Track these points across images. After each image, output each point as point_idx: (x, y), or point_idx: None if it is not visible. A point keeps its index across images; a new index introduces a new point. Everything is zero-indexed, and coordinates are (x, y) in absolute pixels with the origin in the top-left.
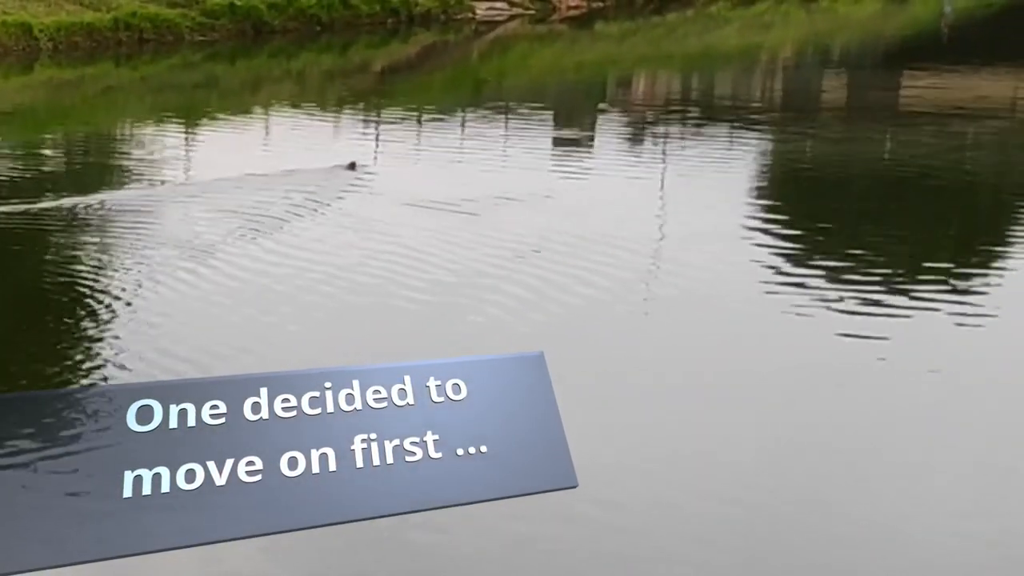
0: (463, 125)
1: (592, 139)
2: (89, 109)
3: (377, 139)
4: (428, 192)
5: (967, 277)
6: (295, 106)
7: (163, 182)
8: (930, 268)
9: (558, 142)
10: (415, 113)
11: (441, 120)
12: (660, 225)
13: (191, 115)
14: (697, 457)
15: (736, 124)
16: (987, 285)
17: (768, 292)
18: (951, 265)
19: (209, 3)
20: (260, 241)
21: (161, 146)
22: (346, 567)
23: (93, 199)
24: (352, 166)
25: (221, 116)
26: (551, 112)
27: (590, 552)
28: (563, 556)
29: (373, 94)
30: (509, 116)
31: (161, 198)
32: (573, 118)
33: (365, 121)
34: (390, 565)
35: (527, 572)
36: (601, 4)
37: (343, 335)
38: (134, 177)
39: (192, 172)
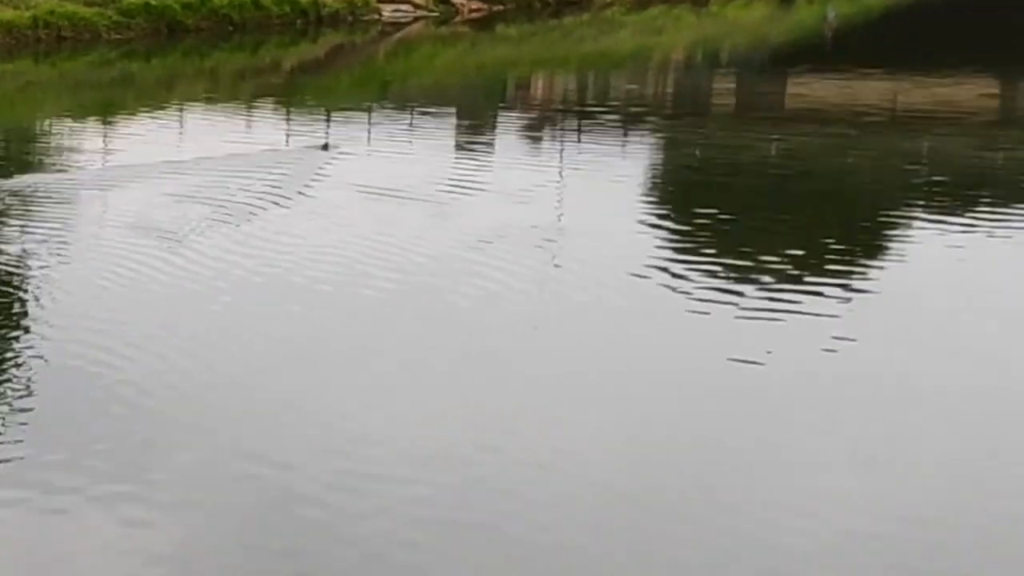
0: (370, 122)
1: (493, 137)
2: (8, 104)
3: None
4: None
5: (847, 274)
6: (210, 102)
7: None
8: (812, 265)
9: (461, 139)
10: (323, 110)
11: (351, 116)
12: (555, 220)
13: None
14: (586, 450)
15: (629, 124)
16: (866, 280)
17: (654, 288)
18: (833, 262)
19: (125, 2)
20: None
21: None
22: None
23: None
24: (325, 147)
25: (164, 108)
26: (454, 110)
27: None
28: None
29: (283, 91)
30: (414, 114)
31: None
32: (475, 116)
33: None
34: None
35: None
36: (501, 7)
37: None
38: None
39: (177, 153)
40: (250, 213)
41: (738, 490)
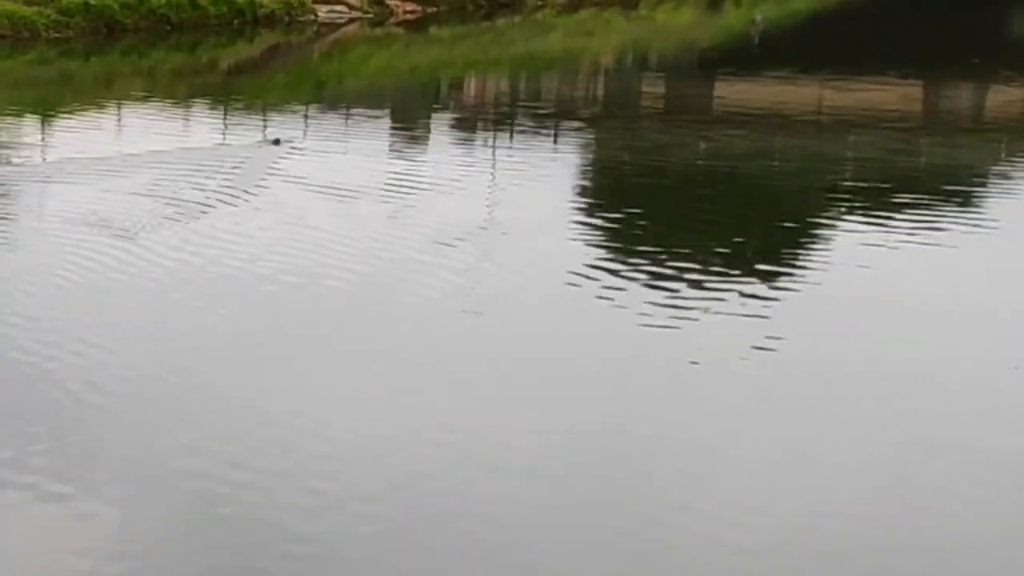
0: (306, 119)
1: (428, 136)
2: None
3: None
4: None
5: (773, 274)
6: (148, 99)
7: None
8: (738, 264)
9: (395, 138)
10: (260, 109)
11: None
12: (485, 219)
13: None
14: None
15: (560, 124)
16: (791, 279)
17: (587, 286)
18: (759, 261)
19: (64, 2)
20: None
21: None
22: None
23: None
24: (277, 142)
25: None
26: (388, 110)
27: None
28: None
29: (221, 90)
30: (349, 114)
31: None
32: (409, 117)
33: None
34: None
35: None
36: (435, 9)
37: None
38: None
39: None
40: (207, 207)
41: (675, 486)
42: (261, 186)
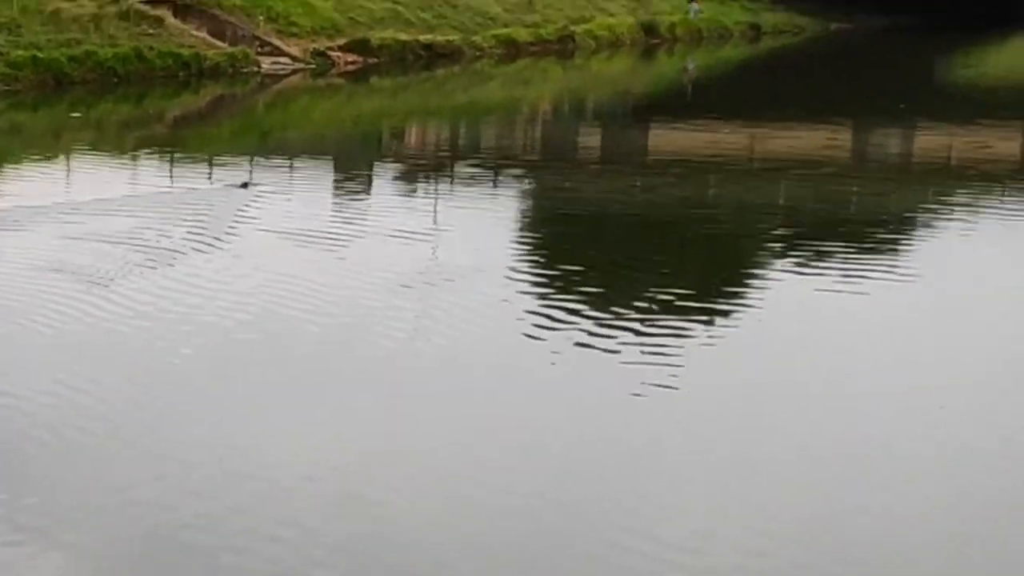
0: (251, 170)
1: (369, 185)
2: None
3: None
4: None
5: (709, 311)
6: (95, 150)
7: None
8: (674, 308)
9: (338, 187)
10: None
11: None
12: (429, 264)
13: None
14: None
15: (499, 171)
16: (728, 313)
17: (527, 330)
18: (693, 305)
19: (13, 55)
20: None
21: None
22: None
23: None
24: (244, 185)
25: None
26: (331, 159)
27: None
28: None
29: (168, 140)
30: (293, 163)
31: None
32: (352, 165)
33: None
34: None
35: None
36: (376, 60)
37: None
38: None
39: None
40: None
41: (623, 513)
42: (231, 229)
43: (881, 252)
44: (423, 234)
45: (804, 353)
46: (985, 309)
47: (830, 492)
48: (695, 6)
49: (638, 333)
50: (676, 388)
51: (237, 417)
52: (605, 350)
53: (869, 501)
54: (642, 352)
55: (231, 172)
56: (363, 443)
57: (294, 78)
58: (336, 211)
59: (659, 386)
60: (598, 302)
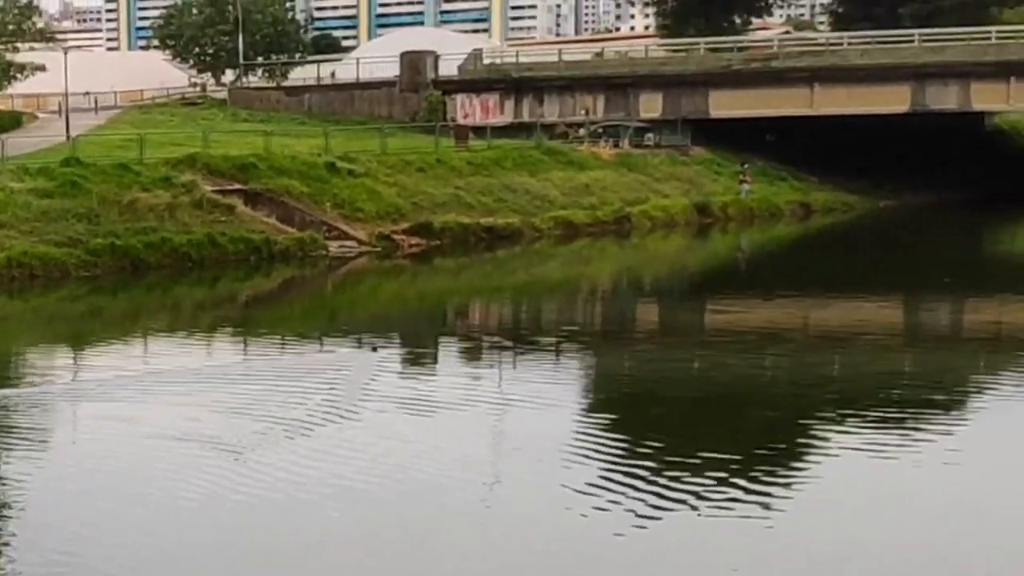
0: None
1: (436, 359)
2: None
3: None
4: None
5: (769, 479)
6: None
7: None
8: (737, 471)
9: (407, 360)
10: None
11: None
12: (494, 439)
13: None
14: None
15: (561, 346)
16: (785, 486)
17: (603, 495)
18: (754, 466)
19: (92, 243)
20: None
21: None
22: None
23: None
24: (375, 349)
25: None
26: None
27: None
28: None
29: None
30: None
31: None
32: (419, 341)
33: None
34: None
35: None
36: (439, 242)
37: None
38: None
39: None
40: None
41: None
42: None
43: (936, 416)
44: (490, 407)
45: (862, 508)
46: None
47: None
48: (746, 187)
49: (701, 498)
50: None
51: None
52: (670, 510)
53: None
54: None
55: (305, 347)
56: None
57: (360, 260)
58: (410, 384)
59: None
60: (662, 468)
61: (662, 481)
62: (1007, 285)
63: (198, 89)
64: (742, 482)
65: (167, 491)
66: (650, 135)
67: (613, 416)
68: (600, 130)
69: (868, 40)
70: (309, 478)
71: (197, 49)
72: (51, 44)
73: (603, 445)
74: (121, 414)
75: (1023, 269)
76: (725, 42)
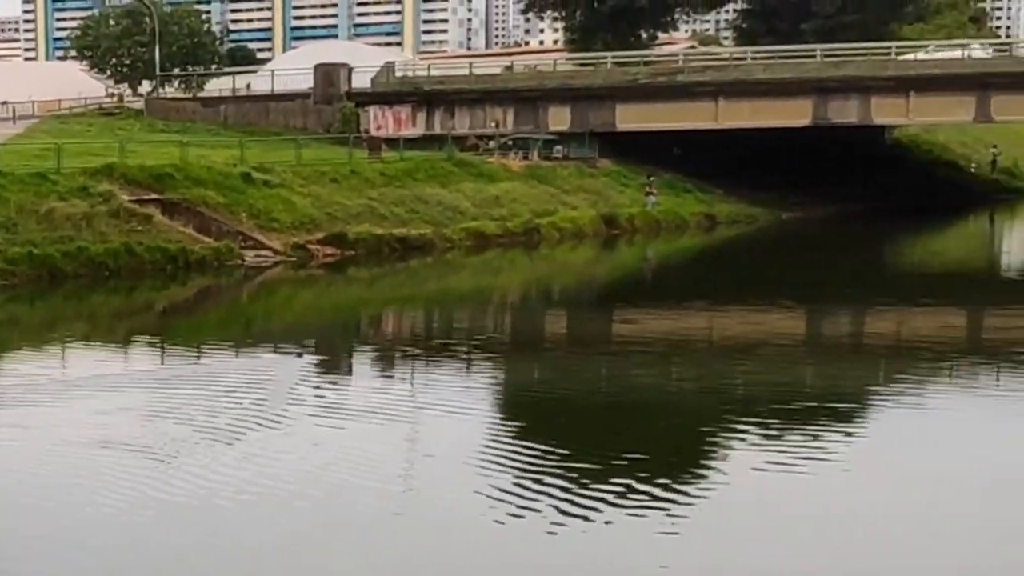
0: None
1: (350, 368)
2: None
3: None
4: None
5: (671, 486)
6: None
7: None
8: (642, 479)
9: (320, 370)
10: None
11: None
12: (407, 446)
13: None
14: None
15: (472, 355)
16: (688, 487)
17: (498, 495)
18: (658, 475)
19: (10, 252)
20: None
21: None
22: None
23: None
24: (300, 355)
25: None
26: (313, 345)
27: None
28: None
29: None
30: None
31: None
32: (331, 350)
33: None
34: None
35: None
36: (353, 252)
37: None
38: None
39: None
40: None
41: None
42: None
43: (835, 426)
44: (402, 414)
45: (762, 518)
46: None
47: None
48: (652, 198)
49: (610, 504)
50: (646, 550)
51: None
52: (577, 516)
53: None
54: (618, 523)
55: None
56: None
57: (276, 270)
58: (320, 393)
59: (632, 548)
60: (568, 474)
61: (573, 488)
62: (907, 295)
63: (115, 99)
64: (649, 488)
65: (78, 496)
66: (559, 147)
67: (524, 423)
68: (510, 142)
69: (771, 55)
70: (226, 485)
71: (114, 60)
72: None
73: (514, 452)
74: (34, 422)
75: (923, 279)
76: (632, 56)
